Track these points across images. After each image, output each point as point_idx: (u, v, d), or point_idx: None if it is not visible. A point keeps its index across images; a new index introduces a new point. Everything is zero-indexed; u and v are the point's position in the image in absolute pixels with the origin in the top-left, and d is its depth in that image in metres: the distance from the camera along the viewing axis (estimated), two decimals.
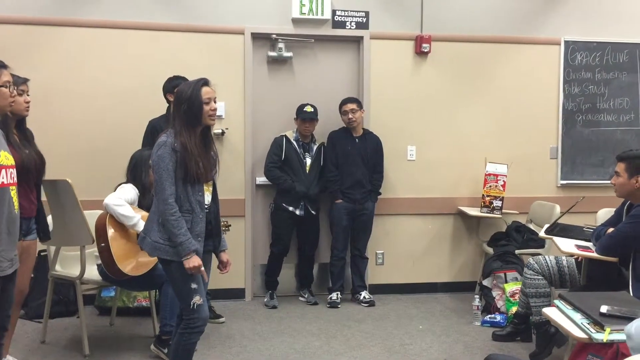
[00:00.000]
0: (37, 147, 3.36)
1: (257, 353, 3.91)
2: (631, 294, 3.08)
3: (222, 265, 3.16)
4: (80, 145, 4.83)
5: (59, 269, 4.00)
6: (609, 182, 5.34)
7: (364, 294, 5.08)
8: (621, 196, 3.50)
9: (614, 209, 3.85)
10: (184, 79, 4.04)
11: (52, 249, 3.94)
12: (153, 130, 4.26)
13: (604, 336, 2.18)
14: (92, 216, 3.74)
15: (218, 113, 5.04)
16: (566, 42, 5.47)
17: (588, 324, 2.29)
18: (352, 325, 4.50)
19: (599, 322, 2.27)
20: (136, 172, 3.82)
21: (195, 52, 4.97)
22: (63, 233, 3.73)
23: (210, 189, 2.99)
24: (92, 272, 3.85)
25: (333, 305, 4.96)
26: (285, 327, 4.45)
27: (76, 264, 3.91)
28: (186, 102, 2.84)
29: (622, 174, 3.39)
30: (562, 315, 2.46)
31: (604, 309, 2.33)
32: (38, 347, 3.97)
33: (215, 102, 2.92)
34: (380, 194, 5.12)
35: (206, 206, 2.93)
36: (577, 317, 2.37)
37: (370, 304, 5.01)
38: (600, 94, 5.54)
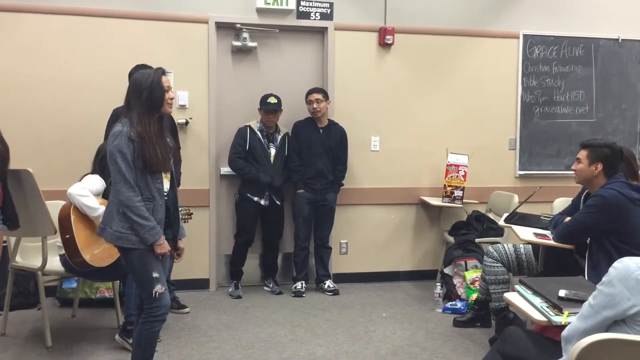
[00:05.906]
0: (2, 137, 3.28)
1: (222, 342, 3.92)
2: (586, 279, 3.20)
3: (177, 253, 3.15)
4: (41, 133, 4.73)
5: (20, 260, 3.93)
6: (564, 172, 5.56)
7: (328, 283, 5.13)
8: (580, 182, 3.58)
9: (570, 199, 3.98)
10: (151, 68, 3.98)
11: (13, 239, 3.86)
12: (117, 119, 4.18)
13: (562, 319, 2.26)
14: (53, 206, 3.68)
15: (182, 102, 5.03)
16: (525, 35, 5.60)
17: (547, 307, 2.37)
18: (317, 314, 4.55)
19: (557, 305, 2.35)
20: (104, 163, 3.75)
21: (159, 41, 4.91)
22: (24, 223, 3.64)
23: (169, 176, 2.99)
24: (54, 263, 3.80)
25: (297, 294, 5.00)
26: (250, 316, 4.47)
27: (37, 255, 3.85)
28: (147, 90, 2.84)
29: (583, 160, 3.48)
30: (522, 299, 2.54)
31: (562, 293, 2.41)
32: None
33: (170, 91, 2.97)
34: (342, 185, 5.16)
35: (165, 193, 2.93)
36: (537, 301, 2.45)
37: (335, 292, 5.07)
38: (557, 87, 5.70)
